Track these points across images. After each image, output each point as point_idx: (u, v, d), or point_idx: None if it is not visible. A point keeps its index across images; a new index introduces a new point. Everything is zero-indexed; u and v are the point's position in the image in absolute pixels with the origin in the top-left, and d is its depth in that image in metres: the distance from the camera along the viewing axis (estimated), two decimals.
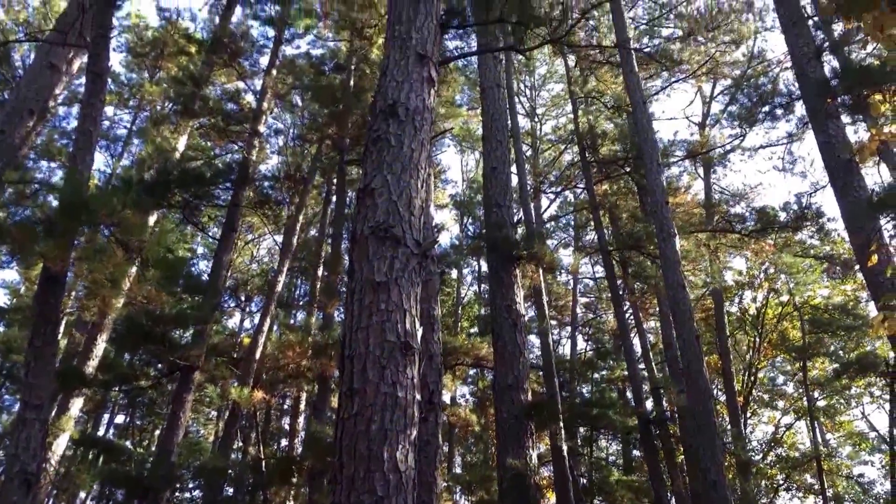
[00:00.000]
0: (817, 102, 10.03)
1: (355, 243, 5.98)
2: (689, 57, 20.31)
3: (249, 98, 16.38)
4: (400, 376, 5.32)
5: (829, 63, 13.57)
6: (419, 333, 5.70)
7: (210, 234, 17.81)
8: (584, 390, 24.54)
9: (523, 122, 26.92)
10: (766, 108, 15.55)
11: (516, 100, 22.97)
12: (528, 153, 25.63)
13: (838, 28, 14.90)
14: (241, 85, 16.17)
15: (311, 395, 17.98)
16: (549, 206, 26.71)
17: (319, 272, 17.61)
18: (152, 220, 12.61)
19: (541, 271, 14.06)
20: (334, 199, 17.28)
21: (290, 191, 15.69)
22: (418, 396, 5.44)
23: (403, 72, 6.73)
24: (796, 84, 13.14)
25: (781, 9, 12.81)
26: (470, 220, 28.54)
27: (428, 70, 6.91)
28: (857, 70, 9.05)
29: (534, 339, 22.43)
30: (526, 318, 12.26)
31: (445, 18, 8.37)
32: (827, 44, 12.71)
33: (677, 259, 11.42)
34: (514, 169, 16.67)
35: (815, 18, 14.59)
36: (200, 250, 26.30)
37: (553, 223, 27.38)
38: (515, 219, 12.84)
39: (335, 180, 16.20)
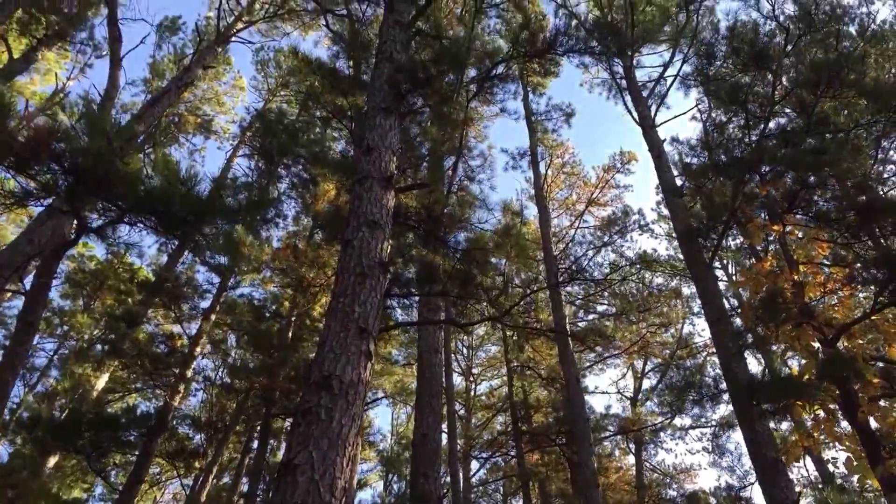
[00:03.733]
0: (743, 403, 10.28)
1: None
2: (622, 336, 21.12)
3: (184, 338, 16.18)
4: None
5: (754, 355, 13.99)
6: None
7: (112, 481, 16.55)
8: None
9: (459, 381, 27.05)
10: (693, 396, 15.92)
11: (453, 358, 23.22)
12: (462, 412, 25.46)
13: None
14: (177, 329, 16.02)
15: None
16: (478, 470, 26.01)
17: None
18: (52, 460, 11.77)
19: None
20: (255, 445, 16.57)
21: (209, 439, 14.97)
22: None
23: (342, 344, 6.72)
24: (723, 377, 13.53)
25: (706, 305, 13.54)
26: (395, 479, 27.44)
27: (367, 344, 6.91)
28: (778, 381, 9.46)
29: None
30: None
31: (389, 287, 8.60)
32: (751, 339, 13.31)
33: None
34: (445, 427, 16.40)
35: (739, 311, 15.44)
36: (98, 489, 24.17)
37: (482, 488, 26.48)
38: (443, 481, 12.35)
39: (258, 430, 15.62)
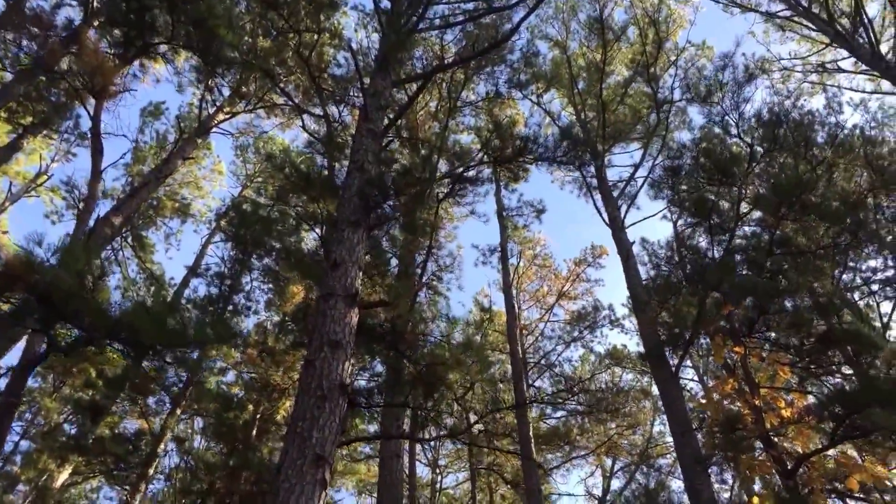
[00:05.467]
0: None
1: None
2: (588, 437, 20.95)
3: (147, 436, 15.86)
4: None
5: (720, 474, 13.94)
6: None
7: None
8: None
9: (425, 472, 26.51)
10: None
11: (419, 447, 22.80)
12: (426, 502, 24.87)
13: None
14: (143, 424, 15.71)
15: None
16: None
17: None
18: None
19: None
20: None
21: None
22: None
23: (298, 473, 6.67)
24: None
25: (671, 418, 13.51)
26: None
27: (323, 472, 6.84)
28: None
29: None
30: None
31: (353, 398, 8.54)
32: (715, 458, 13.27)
33: None
34: None
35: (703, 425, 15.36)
36: None
37: None
38: None
39: None
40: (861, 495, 9.71)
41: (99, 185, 14.70)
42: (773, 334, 11.10)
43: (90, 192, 14.50)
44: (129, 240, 23.55)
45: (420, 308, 13.20)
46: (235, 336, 12.10)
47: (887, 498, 13.64)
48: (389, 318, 10.42)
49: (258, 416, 15.57)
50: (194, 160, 25.28)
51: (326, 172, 14.24)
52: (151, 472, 14.52)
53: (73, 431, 13.82)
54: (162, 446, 14.59)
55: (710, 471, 12.28)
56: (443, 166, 16.64)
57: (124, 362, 16.06)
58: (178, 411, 15.01)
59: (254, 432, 15.20)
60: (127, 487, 14.30)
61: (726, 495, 15.47)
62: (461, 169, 15.87)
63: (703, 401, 12.16)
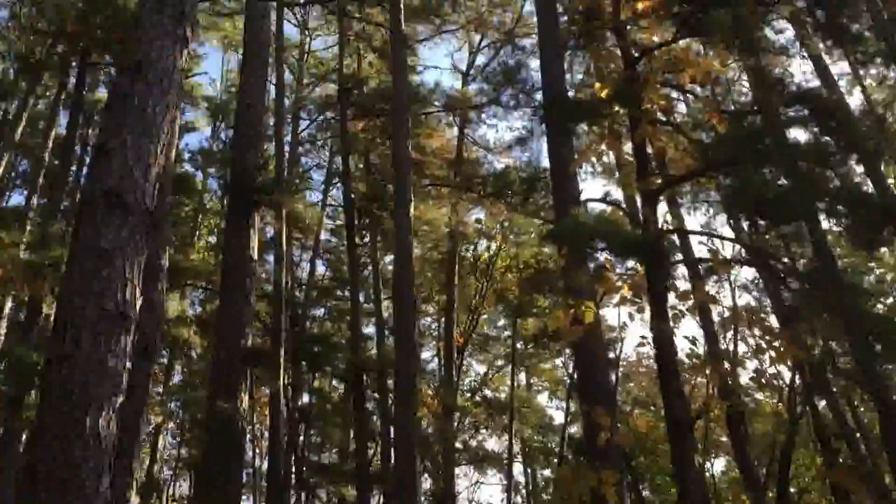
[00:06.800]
0: (555, 121, 10.99)
1: (85, 205, 5.89)
2: (460, 13, 21.10)
3: None
4: (113, 345, 5.41)
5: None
6: (138, 303, 5.82)
7: None
8: (321, 312, 25.35)
9: (293, 33, 26.22)
10: (511, 91, 16.74)
11: (287, 12, 22.33)
12: (293, 64, 25.25)
13: None
14: None
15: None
16: (308, 126, 26.41)
17: (46, 155, 16.35)
18: None
19: (283, 218, 14.04)
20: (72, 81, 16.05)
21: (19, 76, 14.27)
22: (129, 364, 5.61)
23: (157, 29, 6.55)
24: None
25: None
26: (223, 126, 27.62)
27: (183, 29, 6.78)
28: (577, 102, 10.31)
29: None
30: (257, 265, 12.40)
31: None
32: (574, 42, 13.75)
33: (409, 225, 12.11)
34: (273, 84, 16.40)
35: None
36: None
37: (310, 145, 27.21)
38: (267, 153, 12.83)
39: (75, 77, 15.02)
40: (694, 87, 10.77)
41: None
42: None
43: None
44: None
45: None
46: None
47: (717, 91, 15.16)
48: None
49: None
50: None
51: None
52: None
53: None
54: None
55: (566, 55, 13.02)
56: None
57: None
58: None
59: None
60: None
61: (579, 77, 16.42)
62: None
63: None
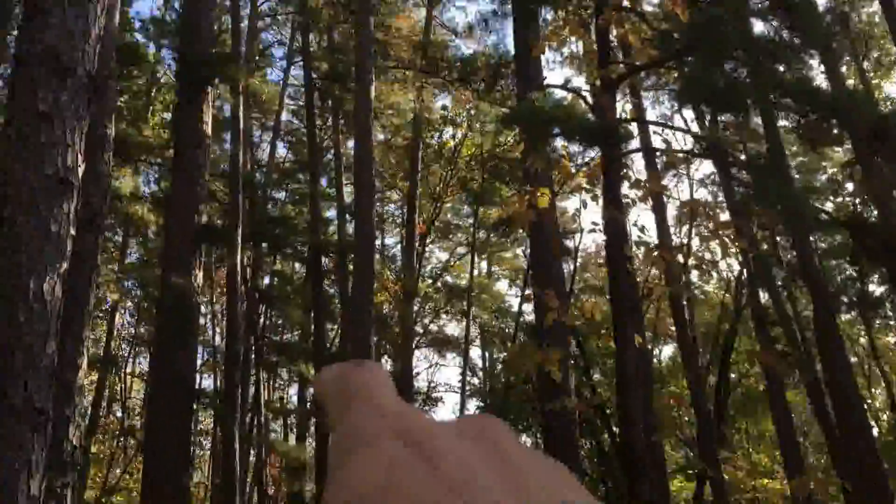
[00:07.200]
0: (521, 2, 10.72)
1: (20, 66, 5.67)
2: None
3: None
4: (55, 211, 5.38)
5: None
6: (81, 169, 5.72)
7: None
8: (282, 196, 25.16)
9: None
10: None
11: None
12: None
13: None
14: None
15: None
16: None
17: None
18: None
19: (240, 93, 13.69)
20: None
21: None
22: (73, 231, 5.57)
23: None
24: None
25: None
26: None
27: None
28: None
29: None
30: (211, 141, 12.16)
31: None
32: None
33: (369, 106, 11.92)
34: None
35: None
36: None
37: (270, 20, 26.17)
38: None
39: None
40: None
41: None
42: None
43: None
44: None
45: None
46: None
47: None
48: None
49: None
50: None
51: None
52: None
53: None
54: None
55: None
56: None
57: None
58: None
59: None
60: None
61: None
62: None
63: None
